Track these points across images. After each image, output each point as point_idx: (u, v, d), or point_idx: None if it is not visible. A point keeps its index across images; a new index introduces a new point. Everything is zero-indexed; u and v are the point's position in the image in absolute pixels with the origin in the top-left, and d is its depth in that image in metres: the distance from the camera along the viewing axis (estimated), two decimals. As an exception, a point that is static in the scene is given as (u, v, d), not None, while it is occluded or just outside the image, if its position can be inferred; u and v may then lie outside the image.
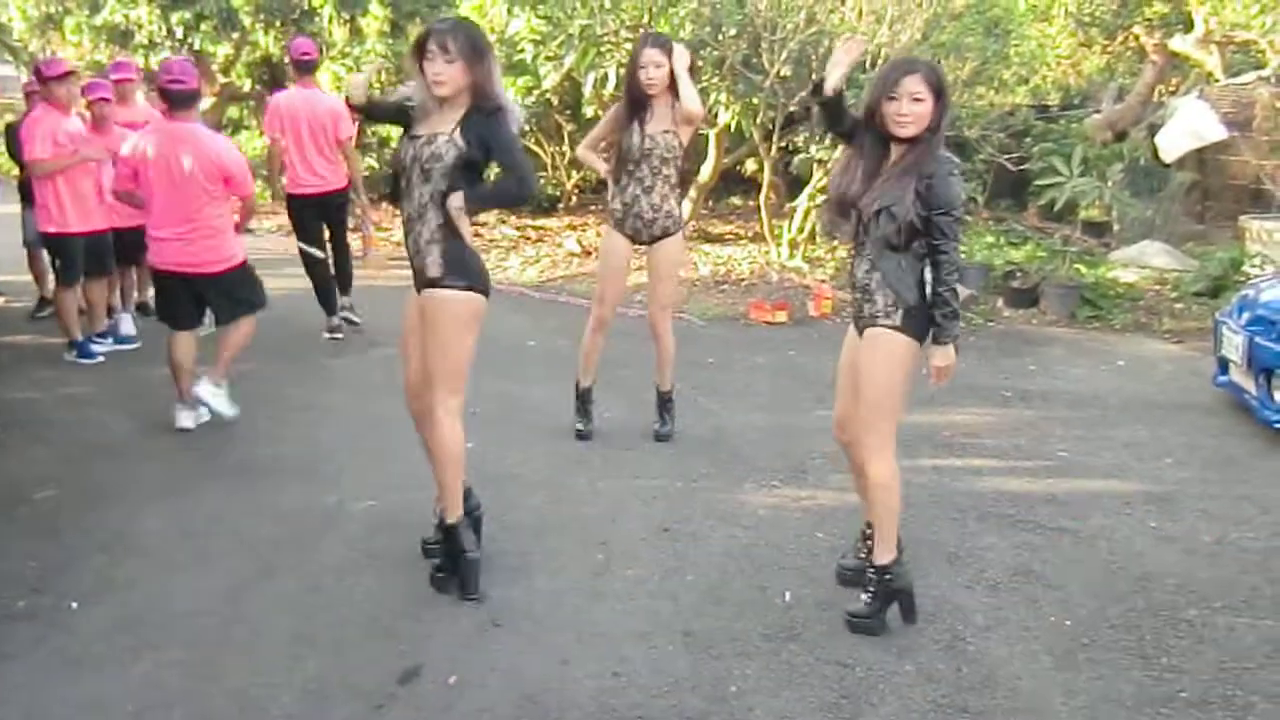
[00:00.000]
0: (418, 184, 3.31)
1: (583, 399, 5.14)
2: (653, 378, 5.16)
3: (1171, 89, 14.10)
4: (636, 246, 4.90)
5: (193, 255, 4.93)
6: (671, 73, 4.60)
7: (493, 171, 3.47)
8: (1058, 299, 8.16)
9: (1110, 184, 9.49)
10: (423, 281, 3.38)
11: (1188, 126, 10.88)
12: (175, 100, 4.92)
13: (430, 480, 3.60)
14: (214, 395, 5.08)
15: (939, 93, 3.12)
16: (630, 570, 3.70)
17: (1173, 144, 10.93)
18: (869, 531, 3.50)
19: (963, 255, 9.20)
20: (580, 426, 5.11)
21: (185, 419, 5.13)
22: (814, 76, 8.88)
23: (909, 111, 3.08)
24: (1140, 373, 6.66)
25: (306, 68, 6.86)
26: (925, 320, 3.21)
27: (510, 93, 10.12)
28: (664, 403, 5.13)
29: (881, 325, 3.23)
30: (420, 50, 3.26)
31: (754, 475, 4.65)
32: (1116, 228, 10.49)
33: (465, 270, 3.35)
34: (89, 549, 3.81)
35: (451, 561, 3.51)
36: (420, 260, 3.36)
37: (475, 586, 3.46)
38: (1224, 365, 5.79)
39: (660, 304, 4.95)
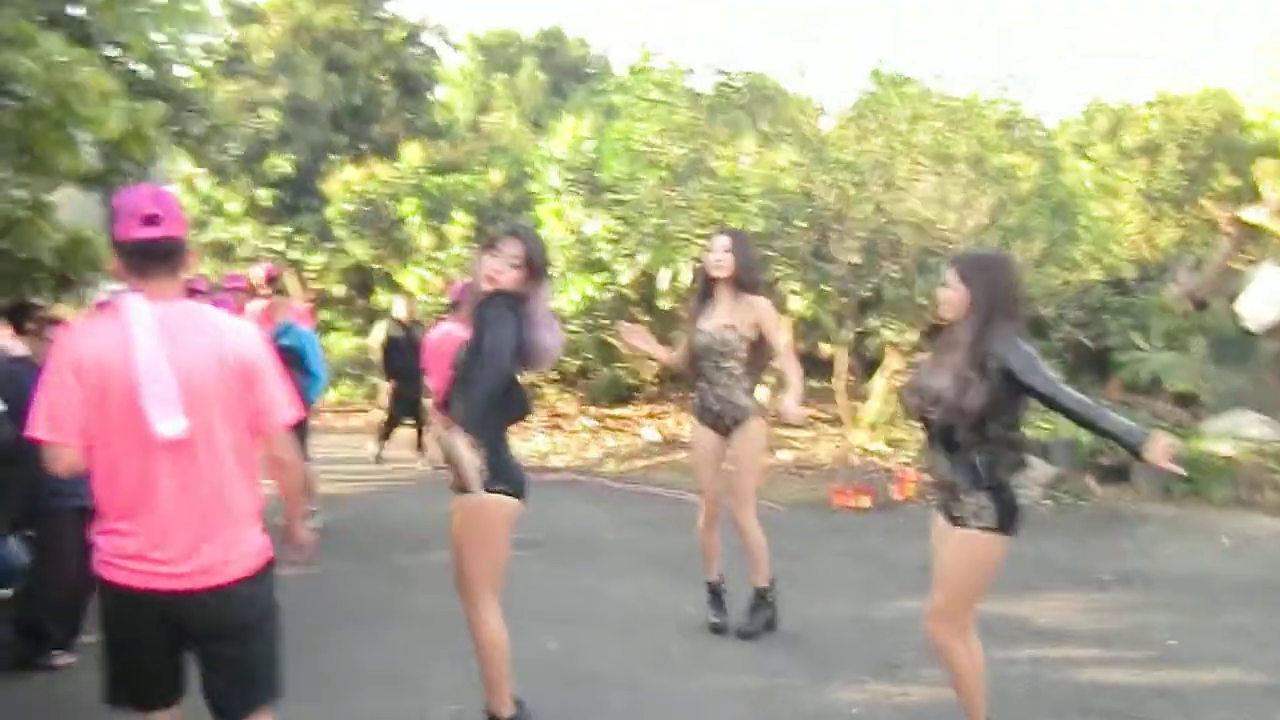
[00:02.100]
0: (455, 394, 3.39)
1: (712, 591, 5.06)
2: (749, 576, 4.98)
3: (1250, 258, 14.01)
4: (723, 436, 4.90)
5: None
6: (736, 264, 4.74)
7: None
8: (1150, 474, 7.88)
9: (1194, 354, 9.33)
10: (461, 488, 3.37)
11: (1271, 295, 10.74)
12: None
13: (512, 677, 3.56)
14: None
15: (968, 280, 3.25)
16: (716, 776, 3.56)
17: (1258, 313, 10.77)
18: (965, 731, 3.36)
19: (1048, 431, 9.08)
20: (714, 620, 5.00)
21: None
22: (883, 262, 9.09)
23: (940, 295, 3.33)
24: (1247, 551, 6.37)
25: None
26: (1013, 509, 3.19)
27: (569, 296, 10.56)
28: (756, 597, 4.95)
29: (975, 527, 3.21)
30: (492, 244, 3.41)
31: (842, 671, 4.49)
32: (1206, 399, 10.24)
33: (505, 475, 3.38)
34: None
35: None
36: (459, 466, 3.33)
37: None
38: (1336, 543, 5.52)
39: (738, 494, 4.86)
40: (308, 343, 7.48)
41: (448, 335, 6.63)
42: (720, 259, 4.74)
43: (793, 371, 4.87)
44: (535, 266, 3.38)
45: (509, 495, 3.39)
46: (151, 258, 2.50)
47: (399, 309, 10.09)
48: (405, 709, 4.16)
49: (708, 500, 4.94)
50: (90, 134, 4.83)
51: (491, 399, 3.24)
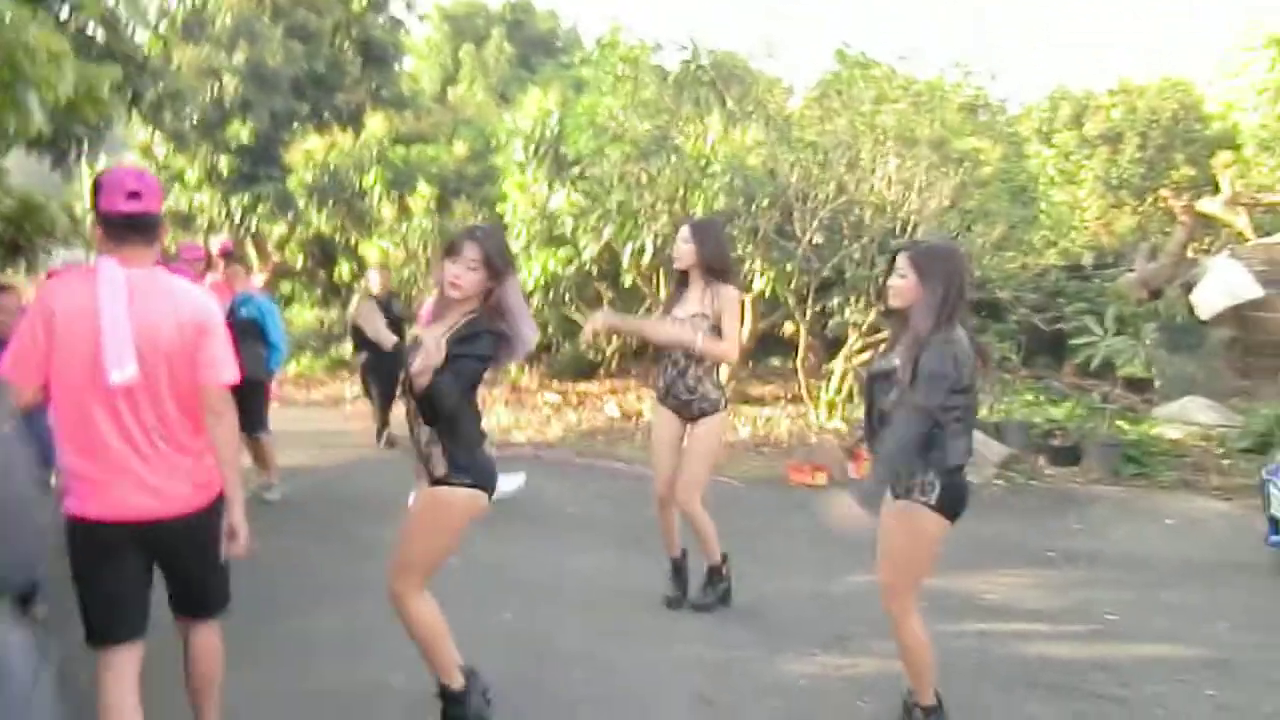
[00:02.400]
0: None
1: (674, 567, 5.08)
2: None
3: (1204, 247, 14.29)
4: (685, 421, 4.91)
5: None
6: (700, 253, 4.75)
7: None
8: (1100, 456, 8.08)
9: (1146, 341, 9.51)
10: (429, 478, 3.41)
11: (1223, 284, 10.98)
12: None
13: (465, 645, 3.59)
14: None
15: (921, 270, 3.30)
16: (668, 744, 3.61)
17: (1209, 301, 11.01)
18: (910, 701, 3.45)
19: (1002, 412, 9.23)
20: (669, 594, 5.05)
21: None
22: (845, 242, 9.18)
23: (892, 285, 3.37)
24: (1190, 532, 6.53)
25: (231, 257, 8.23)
26: (960, 490, 3.26)
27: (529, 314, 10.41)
28: (709, 575, 5.04)
29: (916, 500, 3.27)
30: (451, 249, 3.40)
31: (794, 643, 4.56)
32: (1158, 384, 10.45)
33: (469, 468, 3.38)
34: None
35: None
36: (425, 459, 3.40)
37: None
38: (1275, 524, 5.66)
39: (685, 481, 4.85)
40: (268, 313, 7.41)
41: None
42: (679, 250, 4.79)
43: (719, 342, 4.78)
44: (494, 267, 3.34)
45: (481, 489, 3.40)
46: (131, 229, 2.84)
47: (373, 281, 9.74)
48: (363, 679, 4.17)
49: (661, 482, 4.95)
50: (41, 96, 4.72)
51: (449, 401, 3.27)
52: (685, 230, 4.86)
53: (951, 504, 3.27)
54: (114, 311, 2.70)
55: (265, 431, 7.41)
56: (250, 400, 7.55)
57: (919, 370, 3.16)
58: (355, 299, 10.50)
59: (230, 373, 2.98)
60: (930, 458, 3.23)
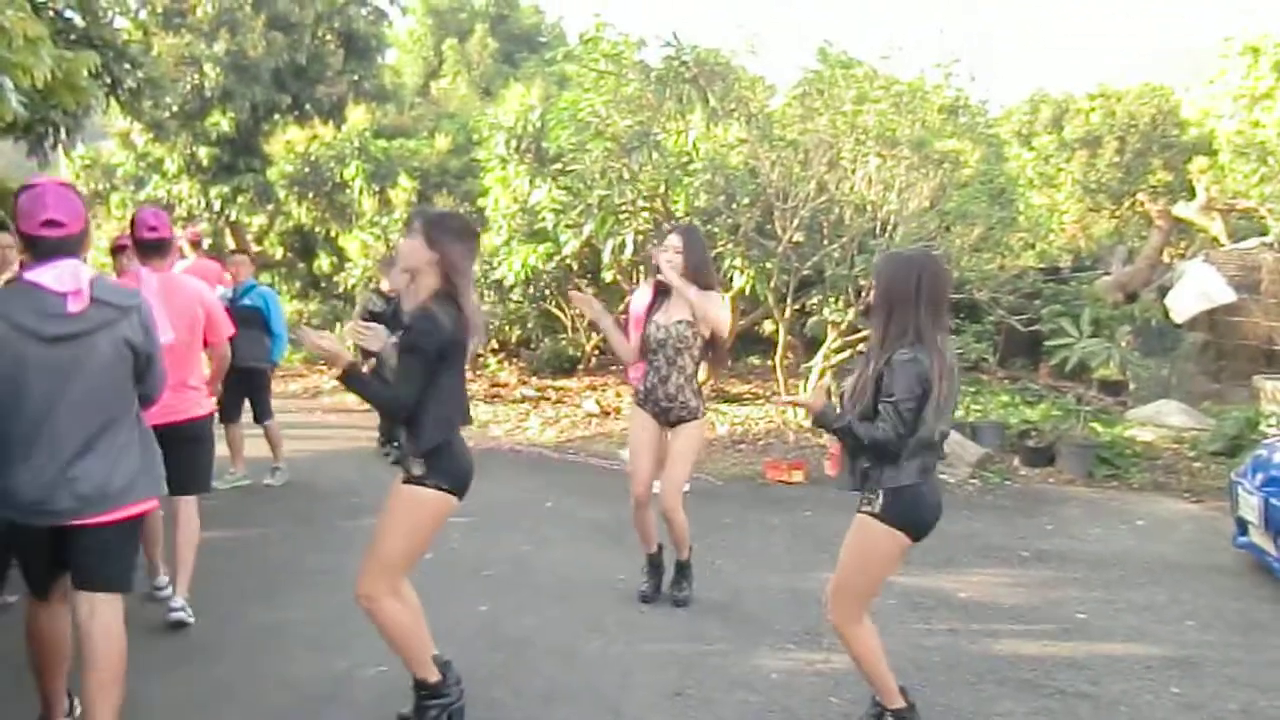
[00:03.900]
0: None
1: (650, 563, 5.10)
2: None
3: (1179, 252, 14.43)
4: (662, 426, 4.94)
5: None
6: (688, 264, 4.74)
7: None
8: (1074, 458, 8.16)
9: (1121, 344, 9.60)
10: (404, 475, 3.40)
11: (1197, 288, 11.10)
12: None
13: (440, 637, 3.59)
14: None
15: (875, 276, 3.40)
16: (640, 737, 3.62)
17: (1183, 305, 11.13)
18: (880, 706, 3.48)
19: (978, 413, 9.30)
20: (643, 588, 5.08)
21: None
22: (825, 241, 9.21)
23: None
24: (1159, 533, 6.60)
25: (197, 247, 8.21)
26: (911, 508, 3.27)
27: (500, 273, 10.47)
28: (681, 570, 5.07)
29: (863, 511, 3.30)
30: (408, 227, 3.44)
31: (768, 638, 4.59)
32: (1133, 386, 10.55)
33: (445, 471, 3.37)
34: None
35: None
36: (402, 454, 3.38)
37: None
38: (1243, 526, 5.74)
39: (668, 486, 4.88)
40: (271, 302, 7.45)
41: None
42: (671, 260, 4.76)
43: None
44: (438, 234, 3.30)
45: (446, 491, 3.38)
46: (153, 249, 4.56)
47: (385, 280, 9.15)
48: (333, 670, 4.17)
49: (640, 485, 4.93)
50: (16, 81, 4.67)
51: (401, 405, 3.29)
52: (676, 240, 4.82)
53: (900, 518, 3.24)
54: (154, 301, 3.71)
55: (269, 418, 7.49)
56: (255, 389, 7.49)
57: (883, 390, 3.16)
58: (359, 297, 10.26)
59: (227, 329, 4.91)
60: (880, 475, 3.24)
